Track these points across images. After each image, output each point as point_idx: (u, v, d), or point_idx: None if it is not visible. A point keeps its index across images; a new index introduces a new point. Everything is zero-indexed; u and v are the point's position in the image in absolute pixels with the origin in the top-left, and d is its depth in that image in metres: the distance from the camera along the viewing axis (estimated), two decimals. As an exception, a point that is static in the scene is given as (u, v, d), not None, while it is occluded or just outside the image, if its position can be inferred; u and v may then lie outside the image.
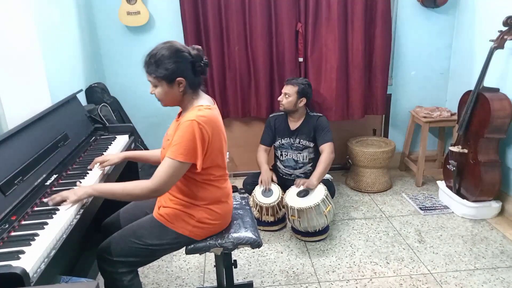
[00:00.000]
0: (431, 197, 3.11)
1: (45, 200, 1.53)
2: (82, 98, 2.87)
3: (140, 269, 2.33)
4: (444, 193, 3.00)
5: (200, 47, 1.63)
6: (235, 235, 1.73)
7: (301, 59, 3.15)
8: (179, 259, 2.45)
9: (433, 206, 2.97)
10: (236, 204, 1.98)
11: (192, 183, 1.64)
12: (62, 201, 1.51)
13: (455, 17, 3.29)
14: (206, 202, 1.67)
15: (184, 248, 1.70)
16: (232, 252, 2.33)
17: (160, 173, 1.53)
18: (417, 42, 3.36)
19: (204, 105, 1.60)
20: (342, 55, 3.10)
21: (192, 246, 1.68)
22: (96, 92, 2.92)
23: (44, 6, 2.37)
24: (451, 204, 2.93)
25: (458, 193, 2.89)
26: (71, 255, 2.15)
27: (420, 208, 2.95)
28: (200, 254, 1.93)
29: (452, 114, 3.22)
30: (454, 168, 2.84)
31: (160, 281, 2.27)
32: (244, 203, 2.00)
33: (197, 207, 1.67)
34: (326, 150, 2.71)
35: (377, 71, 3.19)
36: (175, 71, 1.54)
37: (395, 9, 3.27)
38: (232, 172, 3.53)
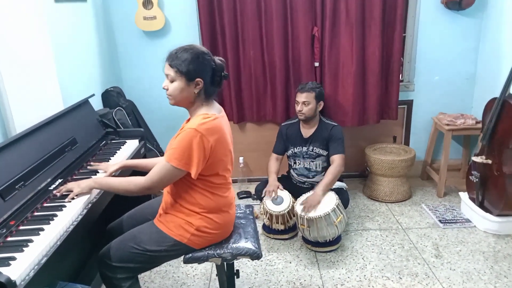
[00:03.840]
0: (453, 209, 2.97)
1: (54, 191, 1.64)
2: (99, 102, 2.93)
3: (147, 274, 2.36)
4: (467, 206, 2.85)
5: (223, 59, 1.66)
6: (234, 245, 1.69)
7: (317, 64, 3.09)
8: (186, 265, 2.43)
9: (454, 219, 2.83)
10: (240, 213, 1.94)
11: (192, 190, 1.63)
12: (68, 192, 1.62)
13: (482, 19, 3.13)
14: (206, 210, 1.65)
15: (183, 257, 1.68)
16: (240, 260, 2.31)
17: (154, 173, 1.57)
18: (441, 46, 3.21)
19: (210, 114, 1.58)
20: (359, 59, 3.02)
21: (190, 255, 1.66)
22: (112, 96, 2.96)
23: (60, 12, 2.42)
24: (473, 217, 2.78)
25: (481, 205, 2.73)
26: (79, 261, 2.17)
27: (439, 220, 2.81)
28: (198, 264, 1.90)
29: (477, 122, 3.06)
30: (477, 179, 2.69)
31: (165, 287, 2.26)
32: (248, 212, 1.97)
33: (196, 215, 1.64)
34: (336, 162, 2.64)
35: (394, 76, 3.09)
36: (197, 71, 1.55)
37: (418, 12, 3.14)
38: (247, 177, 3.50)
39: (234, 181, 3.46)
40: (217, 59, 1.62)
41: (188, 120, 1.68)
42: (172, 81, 1.57)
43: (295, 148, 2.82)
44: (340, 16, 2.97)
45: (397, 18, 2.98)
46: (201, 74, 1.56)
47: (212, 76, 1.59)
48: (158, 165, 1.56)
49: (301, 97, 2.70)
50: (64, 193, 1.63)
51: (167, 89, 1.59)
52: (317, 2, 2.95)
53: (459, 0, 2.98)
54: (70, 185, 1.65)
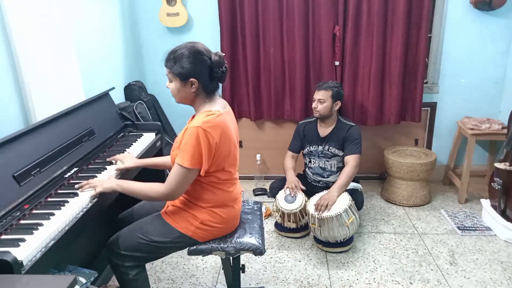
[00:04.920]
0: (473, 216, 2.87)
1: (76, 186, 1.66)
2: (121, 95, 3.02)
3: (158, 264, 2.42)
4: (488, 213, 2.75)
5: (223, 54, 1.65)
6: (238, 240, 1.71)
7: (337, 63, 3.05)
8: (197, 257, 2.48)
9: (474, 226, 2.73)
10: (247, 209, 1.96)
11: (197, 184, 1.65)
12: (91, 189, 1.64)
13: (514, 20, 3.00)
14: (211, 204, 1.67)
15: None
16: (249, 256, 2.34)
17: (170, 179, 1.57)
18: (469, 48, 3.11)
19: (213, 111, 1.60)
20: (380, 59, 2.98)
21: (195, 247, 1.69)
22: (134, 90, 3.05)
23: (86, 6, 2.51)
24: (494, 226, 2.68)
25: (503, 214, 2.63)
26: (94, 249, 2.24)
27: (458, 227, 2.73)
28: (203, 256, 1.94)
29: (503, 127, 2.94)
30: (500, 186, 2.59)
31: (175, 278, 2.32)
32: (256, 208, 1.98)
33: (201, 208, 1.67)
34: (350, 163, 2.61)
35: (418, 77, 3.02)
36: (190, 71, 1.56)
37: (445, 12, 3.05)
38: (264, 175, 3.51)
39: (251, 178, 3.49)
40: (214, 56, 1.60)
41: (193, 117, 1.70)
42: (170, 81, 1.62)
43: (311, 147, 2.81)
44: (362, 15, 2.93)
45: (423, 18, 2.91)
46: (195, 74, 1.56)
47: (210, 73, 1.59)
48: (173, 171, 1.57)
49: (318, 95, 2.69)
50: (86, 189, 1.64)
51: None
52: (339, 1, 2.92)
53: (489, 0, 2.88)
54: (93, 183, 1.66)
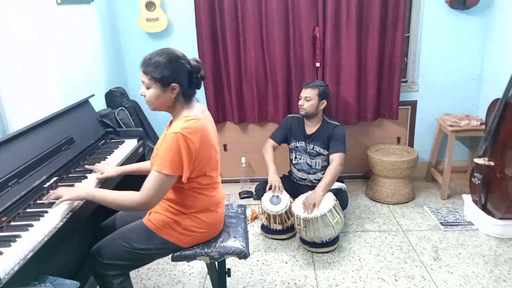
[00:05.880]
0: (456, 212, 2.91)
1: (43, 198, 1.59)
2: (103, 102, 2.99)
3: (144, 272, 2.40)
4: (469, 208, 2.80)
5: (199, 60, 1.66)
6: (222, 244, 1.71)
7: (318, 64, 3.08)
8: (183, 263, 2.47)
9: (456, 222, 2.78)
10: (231, 212, 1.95)
11: (179, 190, 1.64)
12: (57, 198, 1.56)
13: (488, 18, 3.06)
14: (193, 210, 1.67)
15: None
16: (235, 259, 2.33)
17: (147, 187, 1.52)
18: (446, 46, 3.17)
19: (192, 116, 1.58)
20: (360, 59, 3.03)
21: (179, 253, 1.68)
22: (115, 96, 3.02)
23: (64, 14, 2.48)
24: (476, 220, 2.73)
25: (484, 208, 2.68)
26: (78, 260, 2.20)
27: (441, 223, 2.77)
28: (187, 262, 1.93)
29: (482, 123, 3.00)
30: (479, 181, 2.64)
31: (161, 285, 2.30)
32: (240, 211, 1.98)
33: (183, 214, 1.67)
34: (335, 161, 2.62)
35: (395, 76, 3.07)
36: (171, 76, 1.54)
37: (422, 11, 3.11)
38: (249, 178, 3.51)
39: (236, 181, 3.49)
40: (193, 61, 1.61)
41: (171, 123, 1.69)
42: (148, 88, 1.57)
43: (297, 142, 2.83)
44: (341, 17, 2.96)
45: (399, 18, 2.95)
46: (176, 78, 1.55)
47: (189, 78, 1.59)
48: (150, 178, 1.52)
49: (304, 93, 2.72)
50: (52, 200, 1.56)
51: (144, 96, 1.60)
52: (318, 2, 2.95)
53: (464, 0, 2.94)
54: (60, 191, 1.58)
